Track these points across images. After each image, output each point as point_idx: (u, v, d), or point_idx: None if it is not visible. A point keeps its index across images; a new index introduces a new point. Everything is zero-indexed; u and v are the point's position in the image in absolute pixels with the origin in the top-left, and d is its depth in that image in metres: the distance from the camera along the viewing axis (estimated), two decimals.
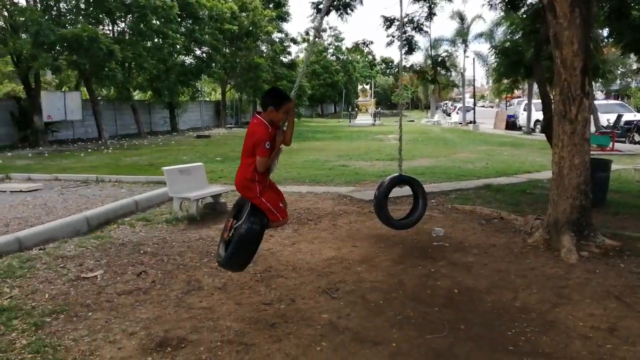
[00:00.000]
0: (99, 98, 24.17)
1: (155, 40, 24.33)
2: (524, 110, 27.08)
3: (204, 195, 7.27)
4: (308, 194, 8.92)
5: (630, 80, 25.50)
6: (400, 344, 3.42)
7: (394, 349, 3.36)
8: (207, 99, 39.15)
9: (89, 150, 18.53)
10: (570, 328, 3.62)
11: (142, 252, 5.51)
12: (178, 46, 26.40)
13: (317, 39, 6.95)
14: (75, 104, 22.32)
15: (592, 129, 19.02)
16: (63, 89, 25.51)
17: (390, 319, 3.81)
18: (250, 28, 32.35)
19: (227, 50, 32.46)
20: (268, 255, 5.39)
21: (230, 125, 34.52)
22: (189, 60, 30.11)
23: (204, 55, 30.06)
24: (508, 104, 32.13)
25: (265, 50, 37.41)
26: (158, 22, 23.74)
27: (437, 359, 3.24)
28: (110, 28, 23.54)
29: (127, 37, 23.24)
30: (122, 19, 23.52)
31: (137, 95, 28.94)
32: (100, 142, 21.65)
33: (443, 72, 10.97)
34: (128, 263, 5.13)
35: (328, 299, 4.20)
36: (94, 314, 3.89)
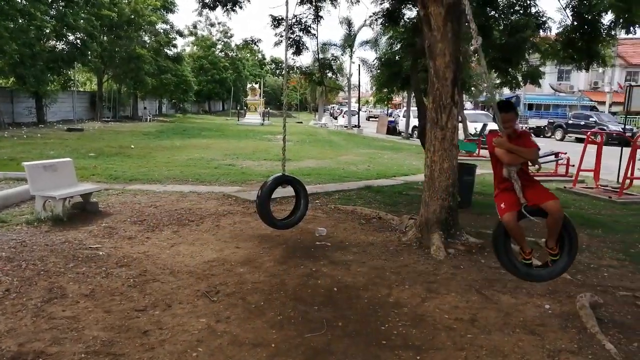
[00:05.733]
0: None
1: (20, 21, 21.74)
2: (404, 116, 28.91)
3: (72, 194, 6.65)
4: (191, 193, 8.58)
5: (494, 93, 28.45)
6: (279, 344, 3.41)
7: (273, 349, 3.34)
8: (81, 90, 35.97)
9: None
10: (437, 320, 3.90)
11: None
12: (47, 30, 23.86)
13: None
14: None
15: (462, 136, 20.98)
16: None
17: (270, 320, 3.78)
18: (132, 16, 30.36)
19: (105, 38, 30.13)
20: (143, 258, 5.07)
21: (107, 119, 31.99)
22: (60, 46, 27.33)
23: (78, 42, 27.50)
24: (389, 111, 34.16)
25: (148, 41, 35.36)
26: (23, 2, 21.23)
27: (315, 357, 3.28)
28: None
29: None
30: None
31: None
32: None
33: (330, 75, 11.30)
34: None
35: (207, 303, 4.06)
36: None
